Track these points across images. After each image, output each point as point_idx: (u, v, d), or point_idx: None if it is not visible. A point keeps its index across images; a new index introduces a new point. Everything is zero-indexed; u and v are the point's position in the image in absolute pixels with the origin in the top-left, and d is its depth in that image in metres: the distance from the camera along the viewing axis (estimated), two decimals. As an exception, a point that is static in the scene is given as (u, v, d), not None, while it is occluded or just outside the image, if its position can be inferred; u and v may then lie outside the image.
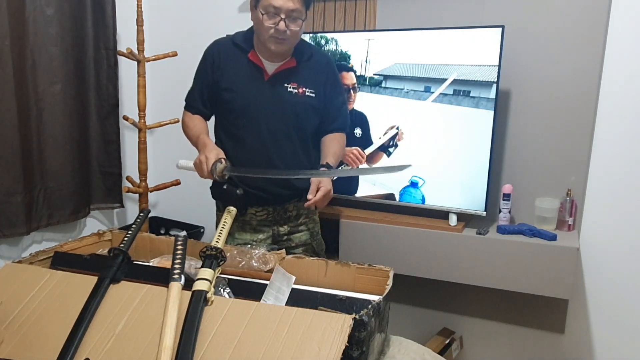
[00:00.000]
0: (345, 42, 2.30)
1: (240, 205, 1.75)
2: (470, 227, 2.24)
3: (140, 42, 2.57)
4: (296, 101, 1.78)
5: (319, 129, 1.87)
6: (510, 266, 2.09)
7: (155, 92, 2.99)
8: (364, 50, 2.25)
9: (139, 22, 2.55)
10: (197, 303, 1.24)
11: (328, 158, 1.78)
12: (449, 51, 2.14)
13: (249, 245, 1.67)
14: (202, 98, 1.85)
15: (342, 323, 1.18)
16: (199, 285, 1.29)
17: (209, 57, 1.81)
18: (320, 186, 1.66)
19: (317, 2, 2.52)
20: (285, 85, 1.77)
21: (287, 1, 1.63)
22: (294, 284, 1.49)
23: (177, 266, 1.38)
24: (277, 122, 1.79)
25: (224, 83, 1.79)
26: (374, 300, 1.32)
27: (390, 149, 2.28)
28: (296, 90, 1.78)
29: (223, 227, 1.59)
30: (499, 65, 2.05)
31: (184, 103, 3.08)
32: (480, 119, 2.11)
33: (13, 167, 2.23)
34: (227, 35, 1.87)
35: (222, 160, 1.68)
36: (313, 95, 1.80)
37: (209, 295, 1.28)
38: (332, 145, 1.83)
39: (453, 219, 2.22)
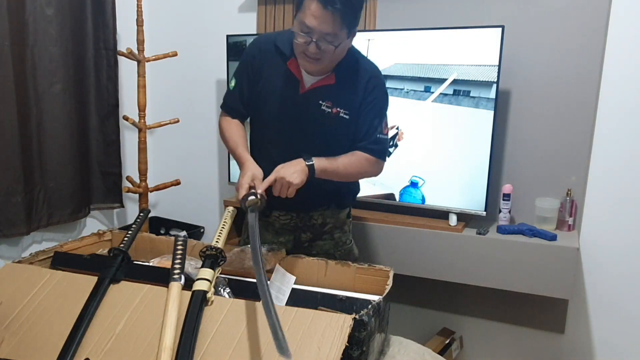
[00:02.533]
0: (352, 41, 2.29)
1: (261, 211, 1.71)
2: (470, 227, 2.24)
3: (140, 42, 2.58)
4: (327, 121, 1.64)
5: (350, 145, 1.71)
6: (510, 266, 2.09)
7: (155, 92, 2.99)
8: (364, 50, 2.25)
9: (139, 22, 2.55)
10: (197, 303, 1.24)
11: (320, 159, 1.58)
12: (449, 51, 2.14)
13: (249, 245, 1.67)
14: (242, 99, 1.71)
15: (342, 323, 1.18)
16: (199, 285, 1.29)
17: (249, 56, 1.67)
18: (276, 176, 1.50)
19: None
20: (320, 102, 1.62)
21: (322, 23, 1.43)
22: (294, 284, 1.49)
23: (177, 266, 1.38)
24: (304, 140, 1.66)
25: (257, 87, 1.67)
26: (374, 300, 1.32)
27: (390, 149, 2.28)
28: (330, 110, 1.63)
29: (223, 227, 1.59)
30: (499, 65, 2.05)
31: (184, 103, 3.09)
32: (480, 119, 2.11)
33: (13, 167, 2.23)
34: (266, 33, 1.74)
35: (256, 192, 1.51)
36: (347, 116, 1.64)
37: (209, 295, 1.28)
38: (344, 156, 1.63)
39: (453, 219, 2.22)
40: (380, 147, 1.69)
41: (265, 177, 1.59)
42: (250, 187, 1.50)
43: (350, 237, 1.87)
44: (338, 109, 1.63)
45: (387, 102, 1.71)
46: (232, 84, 1.72)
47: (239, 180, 1.55)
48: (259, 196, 1.48)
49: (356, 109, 1.64)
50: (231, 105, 1.73)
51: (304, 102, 1.63)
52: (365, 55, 1.73)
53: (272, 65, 1.64)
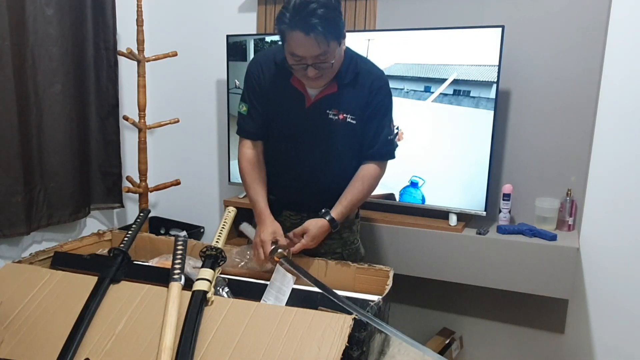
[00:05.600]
0: (345, 42, 2.29)
1: (273, 208, 1.72)
2: (470, 227, 2.24)
3: (140, 42, 2.58)
4: (336, 129, 1.65)
5: (359, 153, 1.74)
6: (510, 266, 2.09)
7: (155, 92, 2.99)
8: (364, 50, 2.25)
9: (139, 22, 2.55)
10: (197, 303, 1.24)
11: (339, 206, 1.65)
12: (449, 51, 2.14)
13: (250, 245, 1.67)
14: (257, 120, 1.72)
15: (342, 323, 1.18)
16: (199, 285, 1.29)
17: (253, 77, 1.69)
18: (305, 236, 1.62)
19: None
20: (327, 111, 1.64)
21: (310, 48, 1.45)
22: (294, 284, 1.49)
23: (177, 266, 1.38)
24: (317, 152, 1.69)
25: (267, 105, 1.70)
26: (374, 301, 1.32)
27: (390, 149, 2.28)
28: (336, 117, 1.64)
29: (223, 227, 1.59)
30: (499, 65, 2.05)
31: (184, 103, 3.09)
32: (480, 119, 2.11)
33: (13, 167, 2.23)
34: (267, 47, 1.76)
35: (279, 245, 1.59)
36: (354, 121, 1.65)
37: (209, 295, 1.28)
38: (353, 188, 1.67)
39: (453, 219, 2.22)
40: (391, 148, 1.74)
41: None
42: (273, 243, 1.58)
43: (357, 237, 1.88)
44: (344, 115, 1.65)
45: (392, 103, 1.73)
46: (244, 108, 1.72)
47: (259, 236, 1.61)
48: (285, 250, 1.57)
49: (362, 112, 1.66)
50: (248, 130, 1.74)
51: (312, 114, 1.65)
52: (366, 57, 1.73)
53: (276, 83, 1.67)
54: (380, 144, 1.69)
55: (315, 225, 1.62)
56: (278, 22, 1.50)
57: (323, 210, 1.65)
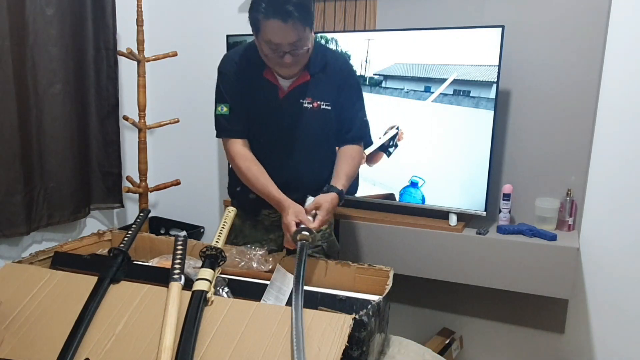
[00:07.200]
0: (345, 42, 2.30)
1: (252, 208, 1.72)
2: (470, 227, 2.25)
3: (140, 42, 2.58)
4: (312, 117, 1.69)
5: (336, 138, 1.78)
6: (510, 266, 2.09)
7: (155, 92, 2.99)
8: (364, 50, 2.25)
9: (139, 22, 2.55)
10: (197, 303, 1.24)
11: (339, 180, 1.66)
12: (449, 51, 2.14)
13: (250, 245, 1.67)
14: (240, 118, 1.72)
15: (342, 323, 1.18)
16: (199, 285, 1.29)
17: (229, 75, 1.70)
18: (319, 211, 1.58)
19: (317, 2, 2.52)
20: (301, 101, 1.68)
21: (286, 35, 1.49)
22: (294, 284, 1.49)
23: (177, 266, 1.38)
24: (295, 141, 1.71)
25: (244, 102, 1.72)
26: (374, 300, 1.32)
27: (390, 149, 2.28)
28: (311, 105, 1.68)
29: (223, 227, 1.59)
30: (499, 65, 2.05)
31: (184, 103, 3.09)
32: (480, 119, 2.11)
33: (13, 167, 2.23)
34: (233, 48, 1.78)
35: (307, 227, 1.54)
36: (329, 107, 1.70)
37: (209, 295, 1.28)
38: (345, 164, 1.71)
39: (453, 219, 2.22)
40: (366, 130, 1.82)
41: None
42: (297, 224, 1.55)
43: (332, 229, 1.93)
44: (318, 102, 1.69)
45: (360, 86, 1.80)
46: (225, 109, 1.71)
47: (284, 220, 1.59)
48: (309, 233, 1.52)
49: (336, 97, 1.71)
50: (234, 129, 1.72)
51: (286, 105, 1.69)
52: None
53: (249, 78, 1.69)
54: (358, 127, 1.76)
55: (326, 200, 1.60)
56: (252, 10, 1.52)
57: (327, 187, 1.64)
